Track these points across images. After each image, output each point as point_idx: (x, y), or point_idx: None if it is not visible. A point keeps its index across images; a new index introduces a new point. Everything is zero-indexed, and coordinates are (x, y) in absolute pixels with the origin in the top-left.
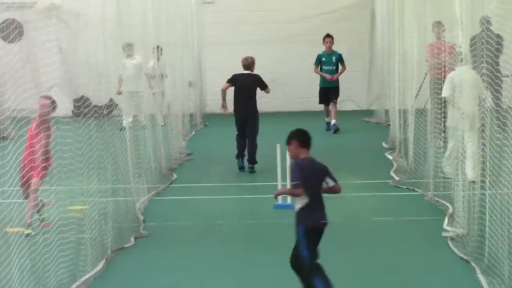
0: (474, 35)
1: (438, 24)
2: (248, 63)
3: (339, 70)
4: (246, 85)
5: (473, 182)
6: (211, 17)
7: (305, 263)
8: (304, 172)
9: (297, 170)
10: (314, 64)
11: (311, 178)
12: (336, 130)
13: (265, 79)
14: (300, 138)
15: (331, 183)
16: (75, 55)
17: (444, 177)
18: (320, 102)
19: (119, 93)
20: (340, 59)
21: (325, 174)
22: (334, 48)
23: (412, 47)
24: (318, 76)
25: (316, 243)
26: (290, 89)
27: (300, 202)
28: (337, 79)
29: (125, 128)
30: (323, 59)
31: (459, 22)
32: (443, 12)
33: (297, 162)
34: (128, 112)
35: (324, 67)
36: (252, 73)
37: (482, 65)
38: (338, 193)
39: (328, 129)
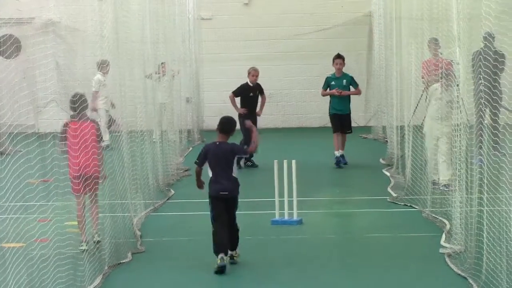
0: (475, 51)
1: (435, 41)
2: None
3: (352, 91)
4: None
5: (446, 186)
6: (209, 33)
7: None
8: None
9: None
10: (322, 87)
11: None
12: (345, 163)
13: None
14: (219, 125)
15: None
16: (72, 70)
17: (433, 185)
18: (335, 130)
19: (94, 109)
20: (352, 82)
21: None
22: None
23: (409, 64)
24: (323, 98)
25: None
26: (287, 106)
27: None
28: (349, 105)
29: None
30: (332, 83)
31: (457, 39)
32: (440, 29)
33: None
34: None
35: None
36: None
37: (480, 81)
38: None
39: (338, 165)
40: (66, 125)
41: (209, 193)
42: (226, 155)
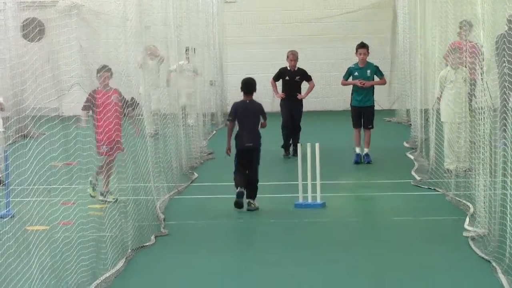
0: (499, 34)
1: (469, 24)
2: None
3: (377, 81)
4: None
5: (466, 171)
6: (232, 17)
7: None
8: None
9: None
10: (343, 77)
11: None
12: (368, 162)
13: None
14: (242, 87)
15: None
16: (96, 53)
17: (446, 171)
18: (355, 126)
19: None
20: (377, 71)
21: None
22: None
23: (433, 47)
24: (345, 87)
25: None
26: None
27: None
28: (373, 96)
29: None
30: (356, 73)
31: (481, 21)
32: (464, 11)
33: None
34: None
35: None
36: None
37: (504, 64)
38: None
39: (357, 162)
40: (91, 94)
41: (236, 146)
42: (255, 112)
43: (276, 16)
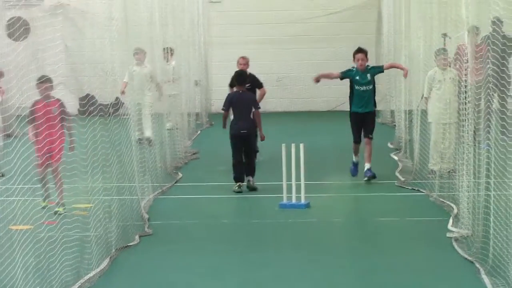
0: (483, 35)
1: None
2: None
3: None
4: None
5: (450, 172)
6: (218, 17)
7: None
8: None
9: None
10: (340, 72)
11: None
12: (372, 178)
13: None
14: (234, 79)
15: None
16: (81, 53)
17: (430, 172)
18: (356, 140)
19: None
20: (375, 70)
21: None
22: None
23: (418, 48)
24: (331, 81)
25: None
26: (295, 89)
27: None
28: (374, 101)
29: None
30: (357, 77)
31: (465, 23)
32: (449, 13)
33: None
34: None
35: (356, 86)
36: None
37: (488, 66)
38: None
39: (354, 174)
40: (32, 105)
41: (230, 133)
42: (248, 101)
43: (261, 16)
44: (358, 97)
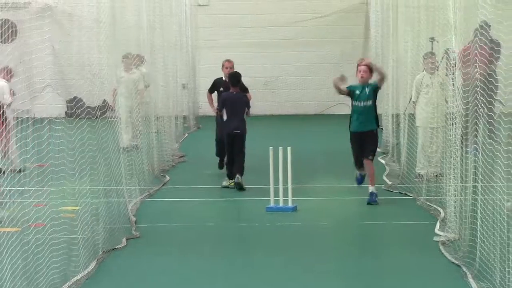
0: (471, 40)
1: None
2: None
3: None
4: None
5: (437, 176)
6: (205, 20)
7: None
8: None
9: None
10: (347, 87)
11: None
12: (372, 202)
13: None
14: (229, 80)
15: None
16: (68, 55)
17: (417, 176)
18: (357, 165)
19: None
20: (373, 86)
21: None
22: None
23: (405, 52)
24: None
25: (229, 144)
26: (283, 93)
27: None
28: (377, 120)
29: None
30: (357, 91)
31: (453, 27)
32: (437, 17)
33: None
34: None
35: (355, 102)
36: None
37: (476, 70)
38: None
39: (360, 182)
40: None
41: (223, 132)
42: (241, 102)
43: (249, 19)
44: (357, 113)
